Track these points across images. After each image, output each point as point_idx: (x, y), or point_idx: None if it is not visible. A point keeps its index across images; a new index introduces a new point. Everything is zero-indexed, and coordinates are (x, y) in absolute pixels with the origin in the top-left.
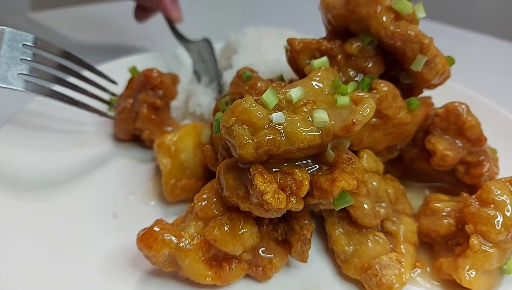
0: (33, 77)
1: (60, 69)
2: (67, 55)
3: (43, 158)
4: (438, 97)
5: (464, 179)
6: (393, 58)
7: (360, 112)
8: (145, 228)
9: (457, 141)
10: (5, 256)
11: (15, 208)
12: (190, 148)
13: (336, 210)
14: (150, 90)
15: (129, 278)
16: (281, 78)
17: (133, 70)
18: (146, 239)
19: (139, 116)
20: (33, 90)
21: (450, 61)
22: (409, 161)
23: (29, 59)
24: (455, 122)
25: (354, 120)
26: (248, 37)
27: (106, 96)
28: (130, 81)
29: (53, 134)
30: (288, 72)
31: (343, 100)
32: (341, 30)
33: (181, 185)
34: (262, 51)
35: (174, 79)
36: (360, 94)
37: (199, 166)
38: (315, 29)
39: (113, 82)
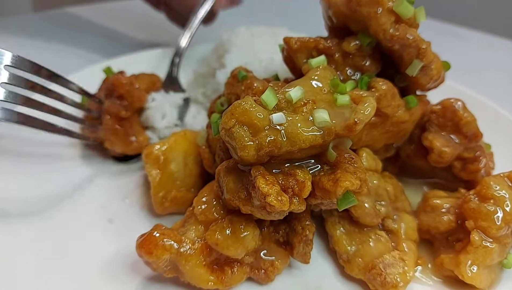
0: (12, 104)
1: (40, 91)
2: (47, 74)
3: (34, 163)
4: (432, 94)
5: (460, 175)
6: (389, 59)
7: (362, 111)
8: (144, 234)
9: (453, 137)
10: (3, 264)
11: (9, 215)
12: (180, 157)
13: (340, 210)
14: (116, 98)
15: (129, 284)
16: (276, 78)
17: (108, 70)
18: (146, 245)
19: (101, 126)
20: (9, 119)
21: (446, 66)
22: (406, 158)
23: (6, 82)
24: (452, 119)
25: (356, 119)
26: (240, 36)
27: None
28: (103, 83)
29: (45, 137)
30: (282, 71)
31: (343, 99)
32: (341, 27)
33: (171, 197)
34: (255, 50)
35: (155, 82)
36: (359, 92)
37: (189, 176)
38: (305, 27)
39: (100, 101)
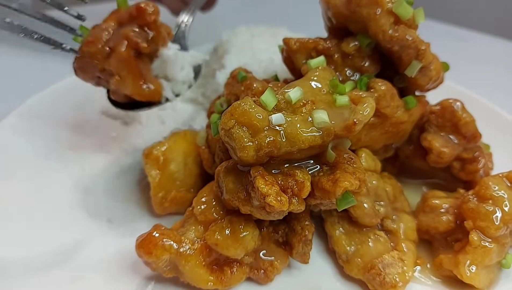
0: None
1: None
2: None
3: (33, 163)
4: (432, 94)
5: (459, 175)
6: (388, 60)
7: (361, 112)
8: (143, 234)
9: (452, 137)
10: (2, 264)
11: (8, 216)
12: (180, 158)
13: (339, 210)
14: (139, 27)
15: (129, 284)
16: (275, 78)
17: (122, 1)
18: (146, 245)
19: (113, 54)
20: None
21: (445, 67)
22: (405, 159)
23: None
24: (451, 119)
25: (355, 120)
26: (240, 36)
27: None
28: (114, 13)
29: (45, 139)
30: (281, 71)
31: (343, 99)
32: (341, 28)
33: (171, 198)
34: (255, 50)
35: (169, 32)
36: (358, 93)
37: (189, 177)
38: (305, 28)
39: (79, 17)
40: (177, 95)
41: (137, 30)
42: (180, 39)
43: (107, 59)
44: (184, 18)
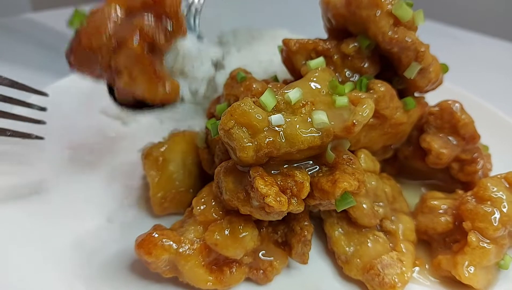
0: None
1: None
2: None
3: (32, 163)
4: (431, 96)
5: (458, 176)
6: (387, 61)
7: (360, 113)
8: (143, 234)
9: (451, 139)
10: (2, 264)
11: (8, 216)
12: (179, 158)
13: (338, 211)
14: (155, 16)
15: (128, 284)
16: (275, 79)
17: None
18: (145, 245)
19: (123, 48)
20: None
21: (444, 68)
22: (404, 160)
23: None
24: (449, 120)
25: (354, 121)
26: (240, 37)
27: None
28: None
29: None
30: (281, 72)
31: (342, 100)
32: (340, 29)
33: (170, 198)
34: (254, 51)
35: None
36: (358, 94)
37: (188, 177)
38: (304, 29)
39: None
40: (193, 94)
41: (154, 19)
42: (191, 20)
43: (114, 54)
44: None
